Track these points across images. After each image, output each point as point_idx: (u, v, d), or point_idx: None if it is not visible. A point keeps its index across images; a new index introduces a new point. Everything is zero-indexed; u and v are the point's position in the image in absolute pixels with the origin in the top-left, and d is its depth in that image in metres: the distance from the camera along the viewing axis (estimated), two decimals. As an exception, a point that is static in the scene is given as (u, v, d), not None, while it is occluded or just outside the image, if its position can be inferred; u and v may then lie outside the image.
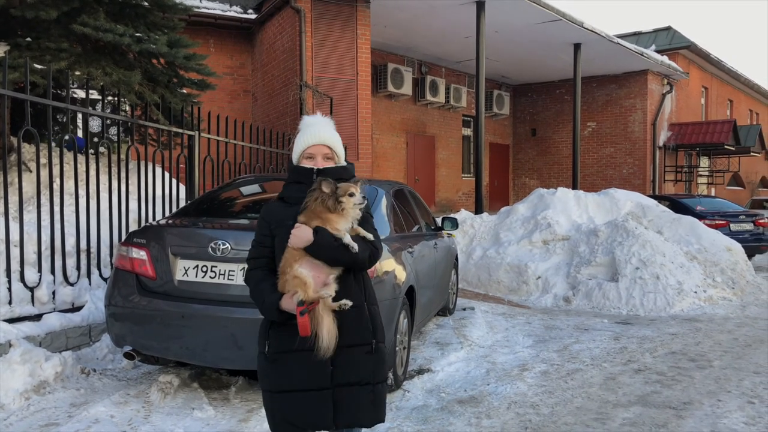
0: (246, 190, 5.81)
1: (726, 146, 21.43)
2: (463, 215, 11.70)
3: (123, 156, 6.55)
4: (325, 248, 2.43)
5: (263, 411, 2.65)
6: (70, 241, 5.75)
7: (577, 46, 16.89)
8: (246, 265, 2.67)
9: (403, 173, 17.91)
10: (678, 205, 13.07)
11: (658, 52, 20.57)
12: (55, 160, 5.70)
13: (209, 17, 13.10)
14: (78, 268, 5.79)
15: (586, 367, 5.69)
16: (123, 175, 6.36)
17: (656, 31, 22.35)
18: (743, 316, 8.18)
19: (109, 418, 4.14)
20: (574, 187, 15.50)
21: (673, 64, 20.60)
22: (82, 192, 6.06)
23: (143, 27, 7.31)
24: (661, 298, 8.51)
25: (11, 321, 4.95)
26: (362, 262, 2.52)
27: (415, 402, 4.65)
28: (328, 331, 2.38)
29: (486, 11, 13.47)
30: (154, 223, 5.11)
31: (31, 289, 5.28)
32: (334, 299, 2.44)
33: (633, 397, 4.85)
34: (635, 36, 22.36)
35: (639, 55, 18.41)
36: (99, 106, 6.33)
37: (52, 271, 5.51)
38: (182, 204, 7.18)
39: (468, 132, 20.71)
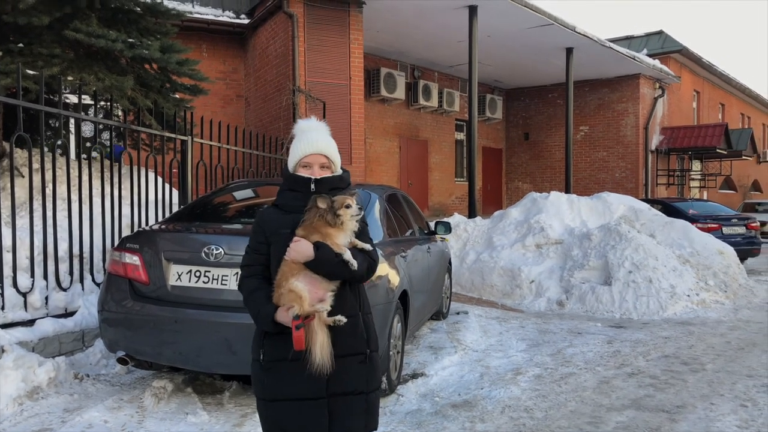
0: (239, 194, 5.81)
1: (718, 150, 21.53)
2: (456, 219, 11.72)
3: (116, 161, 6.54)
4: (326, 264, 2.43)
5: (257, 416, 2.64)
6: (63, 246, 5.73)
7: (569, 51, 16.97)
8: (239, 271, 2.67)
9: (396, 177, 17.93)
10: (670, 209, 13.14)
11: (650, 56, 20.66)
12: (48, 165, 5.68)
13: (202, 22, 13.10)
14: (71, 273, 5.76)
15: (579, 371, 5.70)
16: (116, 180, 6.35)
17: (648, 35, 22.46)
18: (736, 319, 8.21)
19: (103, 423, 4.13)
20: (567, 191, 15.54)
21: (665, 68, 20.71)
22: (74, 197, 6.04)
23: (136, 32, 7.29)
24: (654, 301, 8.54)
25: (4, 326, 4.92)
26: (360, 275, 2.52)
27: (409, 406, 4.65)
28: (321, 347, 2.37)
29: (478, 16, 13.51)
30: (147, 228, 5.10)
31: (24, 295, 5.25)
32: (330, 313, 2.43)
33: (626, 400, 4.86)
34: (627, 40, 22.45)
35: (631, 59, 18.50)
36: (92, 112, 6.32)
37: (45, 277, 5.48)
38: (175, 209, 7.17)
39: (461, 136, 20.75)
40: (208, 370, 4.57)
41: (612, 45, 17.61)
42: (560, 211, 10.86)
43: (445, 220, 9.36)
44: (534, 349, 6.52)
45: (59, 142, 5.85)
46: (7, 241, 5.19)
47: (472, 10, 13.41)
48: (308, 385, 2.42)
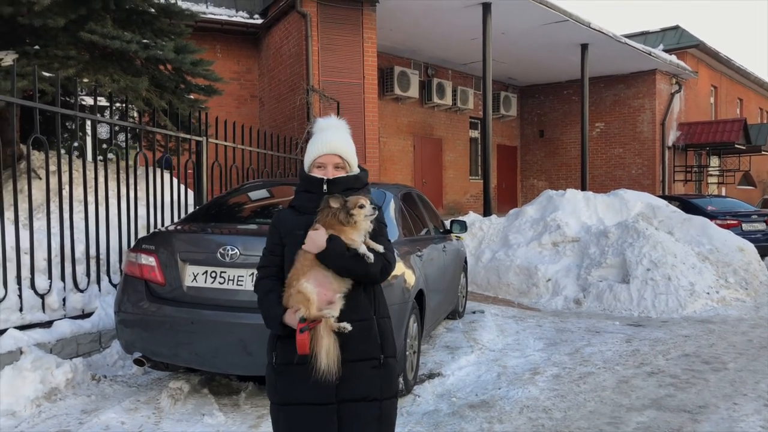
0: (254, 195, 5.81)
1: (737, 145, 21.27)
2: (471, 218, 11.66)
3: (131, 162, 6.57)
4: (335, 256, 2.37)
5: (272, 418, 2.62)
6: (80, 248, 5.76)
7: (584, 47, 16.82)
8: (255, 272, 2.64)
9: (411, 176, 17.89)
10: (688, 206, 12.97)
11: (666, 51, 20.47)
12: (64, 167, 5.71)
13: (215, 23, 13.14)
14: (88, 274, 5.79)
15: (598, 370, 5.64)
16: (131, 181, 6.38)
17: (664, 30, 22.23)
18: (757, 317, 8.09)
19: (120, 424, 4.13)
20: (583, 189, 15.42)
21: (682, 63, 20.50)
22: (91, 199, 6.07)
23: (150, 34, 7.32)
24: (673, 299, 8.44)
25: (22, 328, 4.96)
26: (374, 275, 2.46)
27: (426, 407, 4.62)
28: (327, 353, 2.31)
29: (492, 13, 13.43)
30: (163, 229, 5.10)
31: (42, 296, 5.28)
32: (341, 316, 2.37)
33: (647, 400, 4.79)
34: (643, 36, 22.25)
35: (647, 54, 18.32)
36: (107, 113, 6.34)
37: (62, 278, 5.51)
38: (190, 210, 7.18)
39: (475, 134, 20.66)
40: (224, 371, 4.57)
41: (628, 41, 17.44)
42: (576, 209, 10.77)
43: (461, 218, 9.30)
44: (551, 348, 6.45)
45: (75, 144, 5.87)
46: (24, 243, 5.22)
47: (486, 8, 13.32)
48: (317, 390, 2.36)
